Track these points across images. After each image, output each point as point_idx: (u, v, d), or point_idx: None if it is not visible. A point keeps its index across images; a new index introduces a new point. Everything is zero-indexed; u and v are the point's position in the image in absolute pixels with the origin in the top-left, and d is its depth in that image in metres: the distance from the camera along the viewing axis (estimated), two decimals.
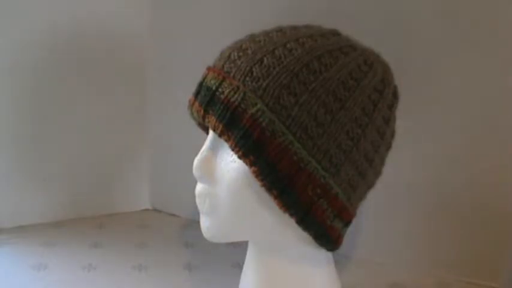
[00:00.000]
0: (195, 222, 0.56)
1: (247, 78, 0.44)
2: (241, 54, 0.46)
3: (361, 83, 0.46)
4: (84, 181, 0.96)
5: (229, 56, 0.47)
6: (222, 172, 0.48)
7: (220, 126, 0.44)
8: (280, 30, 0.49)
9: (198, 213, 0.52)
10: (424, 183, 0.77)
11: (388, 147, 0.52)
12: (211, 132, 0.51)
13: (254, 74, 0.44)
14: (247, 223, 0.50)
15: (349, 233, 0.51)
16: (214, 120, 0.45)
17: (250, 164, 0.43)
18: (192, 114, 0.50)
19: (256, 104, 0.43)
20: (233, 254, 0.72)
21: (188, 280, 0.75)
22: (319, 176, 0.44)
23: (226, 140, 0.45)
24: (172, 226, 0.97)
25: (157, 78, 0.97)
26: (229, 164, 0.47)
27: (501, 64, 0.70)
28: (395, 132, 0.53)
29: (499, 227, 0.74)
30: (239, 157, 0.44)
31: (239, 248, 0.59)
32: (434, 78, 0.73)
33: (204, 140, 0.52)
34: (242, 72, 0.45)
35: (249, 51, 0.46)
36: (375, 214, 0.77)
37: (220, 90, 0.45)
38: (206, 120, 0.47)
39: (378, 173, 0.52)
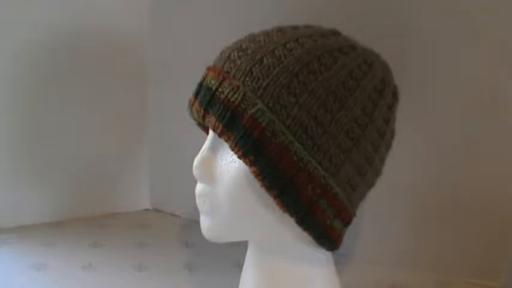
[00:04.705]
0: (195, 222, 0.56)
1: (247, 78, 0.44)
2: (241, 54, 0.46)
3: (361, 83, 0.46)
4: (84, 181, 0.96)
5: (229, 56, 0.47)
6: (222, 172, 0.48)
7: (220, 126, 0.44)
8: (280, 30, 0.49)
9: (198, 213, 0.52)
10: (424, 183, 0.77)
11: (388, 147, 0.52)
12: (211, 132, 0.51)
13: (254, 74, 0.44)
14: (247, 223, 0.50)
15: (349, 233, 0.51)
16: (214, 120, 0.45)
17: (250, 164, 0.43)
18: (192, 114, 0.50)
19: (256, 104, 0.43)
20: (233, 254, 0.72)
21: (188, 280, 0.75)
22: (319, 176, 0.44)
23: (226, 140, 0.45)
24: (172, 226, 0.97)
25: (157, 78, 0.97)
26: (229, 163, 0.47)
27: (501, 64, 0.70)
28: (395, 132, 0.53)
29: (499, 226, 0.74)
30: (239, 157, 0.44)
31: (239, 248, 0.59)
32: (434, 78, 0.73)
33: (204, 140, 0.52)
34: (242, 72, 0.45)
35: (249, 51, 0.46)
36: (375, 214, 0.77)
37: (220, 90, 0.45)
38: (206, 120, 0.47)
39: (378, 173, 0.52)
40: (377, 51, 0.52)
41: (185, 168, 0.57)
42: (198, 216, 0.52)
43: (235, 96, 0.44)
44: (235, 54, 0.47)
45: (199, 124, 0.54)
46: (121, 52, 0.94)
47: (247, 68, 0.45)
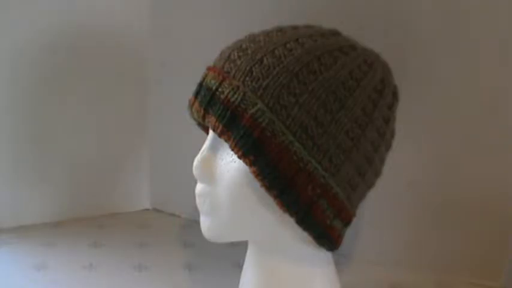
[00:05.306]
0: (195, 222, 0.56)
1: (247, 78, 0.44)
2: (241, 54, 0.46)
3: (361, 83, 0.46)
4: (84, 181, 0.96)
5: (229, 56, 0.47)
6: (222, 172, 0.48)
7: (220, 126, 0.44)
8: (280, 30, 0.49)
9: (198, 213, 0.52)
10: (424, 183, 0.77)
11: (388, 147, 0.52)
12: (211, 132, 0.51)
13: (254, 73, 0.44)
14: (247, 223, 0.50)
15: (349, 233, 0.51)
16: (214, 120, 0.45)
17: (250, 164, 0.43)
18: (192, 114, 0.50)
19: (256, 104, 0.43)
20: (233, 254, 0.72)
21: (188, 280, 0.75)
22: (319, 176, 0.44)
23: (226, 140, 0.45)
24: (172, 226, 0.97)
25: (157, 78, 0.97)
26: (229, 163, 0.47)
27: (501, 64, 0.70)
28: (395, 132, 0.53)
29: (500, 226, 0.74)
30: (239, 157, 0.44)
31: (239, 248, 0.59)
32: (434, 78, 0.73)
33: (204, 140, 0.52)
34: (242, 72, 0.45)
35: (249, 51, 0.46)
36: (375, 214, 0.77)
37: (220, 90, 0.45)
38: (206, 120, 0.47)
39: (377, 173, 0.52)
40: (377, 51, 0.52)
41: (185, 168, 0.57)
42: (198, 216, 0.52)
43: (235, 96, 0.44)
44: (235, 54, 0.47)
45: (199, 124, 0.54)
46: (121, 52, 0.94)
47: (247, 68, 0.45)
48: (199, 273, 0.77)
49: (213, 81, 0.46)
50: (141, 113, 1.00)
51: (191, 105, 0.49)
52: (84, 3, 0.89)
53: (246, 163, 0.44)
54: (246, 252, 0.57)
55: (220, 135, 0.45)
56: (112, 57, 0.93)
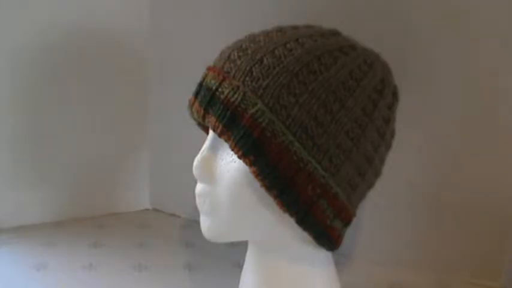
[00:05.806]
0: (195, 222, 0.56)
1: (247, 78, 0.44)
2: (241, 54, 0.46)
3: (361, 83, 0.46)
4: (84, 181, 0.96)
5: (229, 56, 0.47)
6: (222, 172, 0.48)
7: (220, 126, 0.44)
8: (280, 30, 0.49)
9: (198, 213, 0.52)
10: (424, 183, 0.77)
11: (388, 147, 0.53)
12: (211, 132, 0.51)
13: (254, 74, 0.44)
14: (247, 223, 0.50)
15: (349, 233, 0.51)
16: (214, 120, 0.45)
17: (250, 164, 0.43)
18: (192, 114, 0.50)
19: (256, 104, 0.43)
20: (233, 254, 0.72)
21: (188, 280, 0.75)
22: (319, 176, 0.44)
23: (226, 140, 0.45)
24: (172, 226, 0.97)
25: (157, 78, 0.97)
26: (229, 163, 0.47)
27: (501, 64, 0.70)
28: (395, 132, 0.53)
29: (500, 226, 0.74)
30: (239, 157, 0.44)
31: (239, 248, 0.59)
32: (434, 78, 0.73)
33: (204, 140, 0.52)
34: (242, 72, 0.45)
35: (249, 51, 0.46)
36: (375, 214, 0.77)
37: (220, 90, 0.45)
38: (206, 120, 0.47)
39: (377, 173, 0.52)
40: (377, 51, 0.52)
41: (185, 168, 0.57)
42: (198, 216, 0.52)
43: (235, 96, 0.44)
44: (235, 54, 0.47)
45: (199, 124, 0.54)
46: (121, 52, 0.94)
47: (247, 68, 0.45)
48: (199, 273, 0.77)
49: (213, 81, 0.46)
50: (141, 113, 1.00)
51: (191, 105, 0.49)
52: (84, 3, 0.89)
53: (246, 163, 0.44)
54: (246, 252, 0.57)
55: (220, 135, 0.45)
56: (112, 57, 0.93)
